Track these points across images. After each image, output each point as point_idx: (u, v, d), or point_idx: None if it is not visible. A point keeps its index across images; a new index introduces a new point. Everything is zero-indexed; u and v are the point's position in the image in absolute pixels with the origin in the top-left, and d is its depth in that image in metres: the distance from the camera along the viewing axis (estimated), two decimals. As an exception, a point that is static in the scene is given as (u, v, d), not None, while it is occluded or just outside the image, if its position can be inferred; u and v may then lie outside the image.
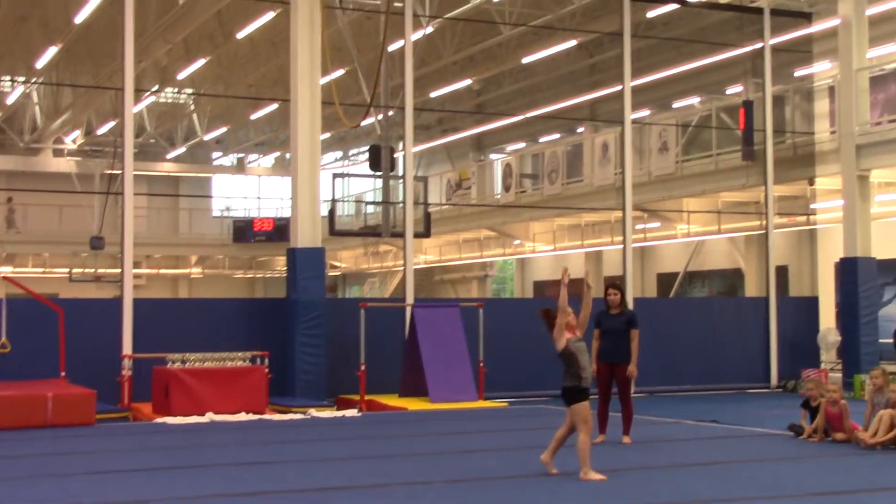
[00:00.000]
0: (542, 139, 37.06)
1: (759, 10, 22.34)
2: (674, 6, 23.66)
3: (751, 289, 26.83)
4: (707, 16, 26.47)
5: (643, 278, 32.68)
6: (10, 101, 35.70)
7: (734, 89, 29.01)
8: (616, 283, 12.96)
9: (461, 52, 30.46)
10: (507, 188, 32.36)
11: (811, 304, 22.70)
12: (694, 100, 30.61)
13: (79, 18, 24.99)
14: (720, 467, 10.84)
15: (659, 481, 9.87)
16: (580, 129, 35.00)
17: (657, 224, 28.99)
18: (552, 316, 10.07)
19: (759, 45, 22.54)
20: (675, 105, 31.55)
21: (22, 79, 33.89)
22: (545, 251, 33.46)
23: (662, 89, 30.70)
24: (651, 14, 25.26)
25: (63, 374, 15.87)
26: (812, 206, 24.55)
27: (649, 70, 28.58)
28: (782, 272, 25.24)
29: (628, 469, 10.54)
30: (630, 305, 13.60)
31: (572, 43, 28.45)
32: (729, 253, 29.84)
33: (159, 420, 15.17)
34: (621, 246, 21.59)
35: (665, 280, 32.71)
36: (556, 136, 36.31)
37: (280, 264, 43.73)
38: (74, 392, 14.78)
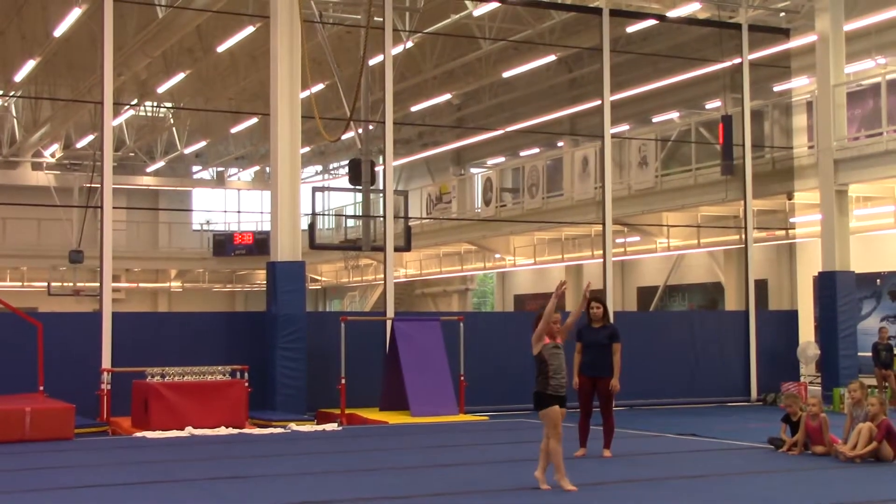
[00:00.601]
0: (522, 153, 37.14)
1: (738, 26, 22.48)
2: (653, 22, 23.77)
3: (730, 302, 26.93)
4: (686, 31, 26.61)
5: (623, 292, 32.77)
6: (-12, 114, 35.59)
7: (713, 104, 29.17)
8: (599, 297, 12.97)
9: (441, 67, 30.53)
10: (487, 202, 32.41)
11: (790, 317, 22.79)
12: (673, 114, 30.75)
13: (58, 31, 24.91)
14: (700, 481, 10.87)
15: (640, 495, 9.89)
16: (560, 144, 35.11)
17: (637, 238, 29.09)
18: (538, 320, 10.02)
19: (737, 61, 22.68)
20: (655, 120, 31.69)
21: (0, 92, 33.73)
22: (525, 265, 33.51)
23: (642, 104, 30.84)
24: (630, 29, 25.38)
25: (41, 388, 15.76)
26: (791, 220, 24.70)
27: (629, 85, 28.71)
28: (762, 286, 25.35)
29: (610, 483, 10.56)
30: (611, 319, 13.63)
31: (552, 58, 28.56)
32: (709, 267, 29.97)
33: (138, 434, 15.10)
34: (601, 260, 21.64)
35: (645, 294, 32.81)
36: (536, 150, 36.40)
37: (260, 278, 43.62)
38: (53, 406, 14.70)
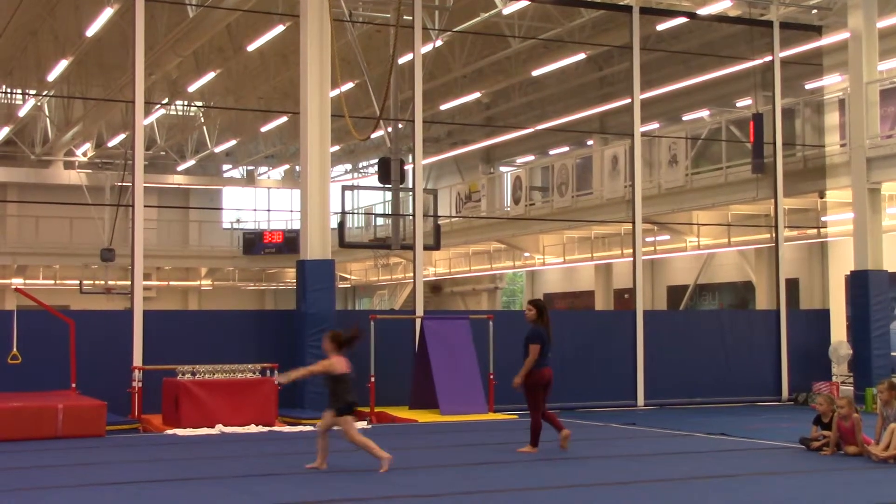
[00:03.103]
0: (552, 152, 37.08)
1: (769, 24, 22.34)
2: (683, 20, 23.66)
3: (761, 301, 26.78)
4: (717, 29, 26.48)
5: (653, 291, 32.66)
6: (21, 113, 35.83)
7: (744, 102, 29.01)
8: (535, 300, 13.53)
9: (470, 66, 30.51)
10: (516, 201, 32.36)
11: (822, 316, 22.64)
12: (703, 113, 30.60)
13: (90, 31, 25.10)
14: (731, 481, 10.79)
15: (669, 494, 9.84)
16: (590, 142, 35.02)
17: (667, 237, 28.97)
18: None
19: (768, 59, 22.53)
20: (685, 118, 31.55)
21: (33, 92, 34.00)
22: (555, 264, 33.44)
23: (672, 102, 30.72)
24: (660, 27, 25.26)
25: (74, 385, 15.89)
26: (822, 218, 24.52)
27: (659, 83, 28.60)
28: (793, 285, 25.20)
29: (639, 482, 10.51)
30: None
31: (582, 56, 28.49)
32: (739, 266, 29.81)
33: (169, 432, 15.19)
34: (631, 259, 21.57)
35: (675, 293, 32.69)
36: (566, 148, 36.33)
37: (289, 276, 43.79)
38: (85, 403, 14.80)
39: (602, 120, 33.51)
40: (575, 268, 34.33)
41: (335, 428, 11.18)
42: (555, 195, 30.45)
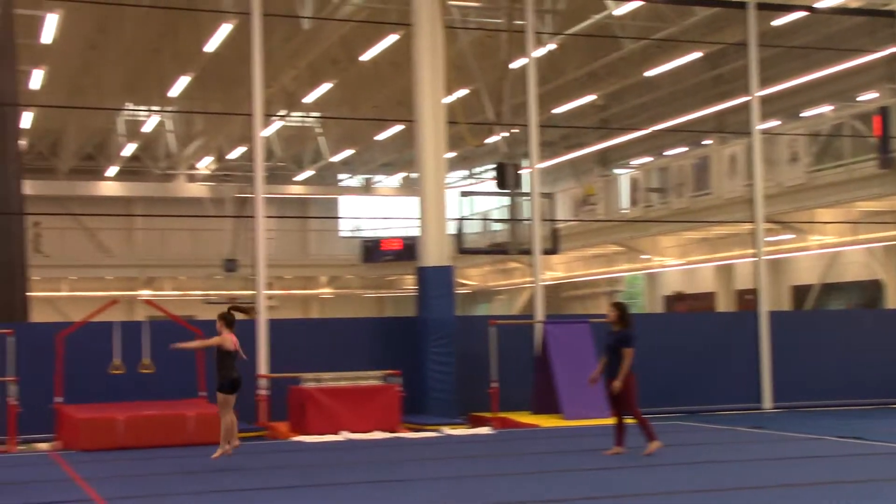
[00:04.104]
0: (668, 153, 36.65)
1: (893, 14, 21.73)
2: (801, 14, 23.15)
3: (892, 300, 26.03)
4: (837, 21, 25.87)
5: (777, 291, 32.00)
6: (146, 129, 36.81)
7: (867, 96, 28.26)
8: (617, 303, 13.33)
9: (584, 68, 30.35)
10: (633, 203, 32.07)
11: (957, 314, 21.91)
12: (825, 108, 29.90)
13: (209, 47, 25.66)
14: (869, 486, 10.44)
15: (806, 499, 9.61)
16: (707, 142, 34.51)
17: (790, 235, 28.37)
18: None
19: (893, 50, 21.91)
20: (805, 114, 30.87)
21: (157, 108, 34.91)
22: (675, 265, 33.04)
23: (791, 98, 30.09)
24: (777, 22, 24.78)
25: (203, 393, 16.25)
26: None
27: (777, 79, 28.03)
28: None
29: (773, 486, 10.29)
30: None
31: (697, 55, 28.10)
32: (867, 264, 29.03)
33: (296, 438, 15.42)
34: (752, 259, 21.18)
35: (799, 293, 31.99)
36: (683, 149, 35.87)
37: (408, 283, 44.10)
38: (214, 411, 15.07)
39: (719, 119, 32.98)
40: (695, 269, 33.85)
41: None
42: (673, 196, 30.09)
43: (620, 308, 12.99)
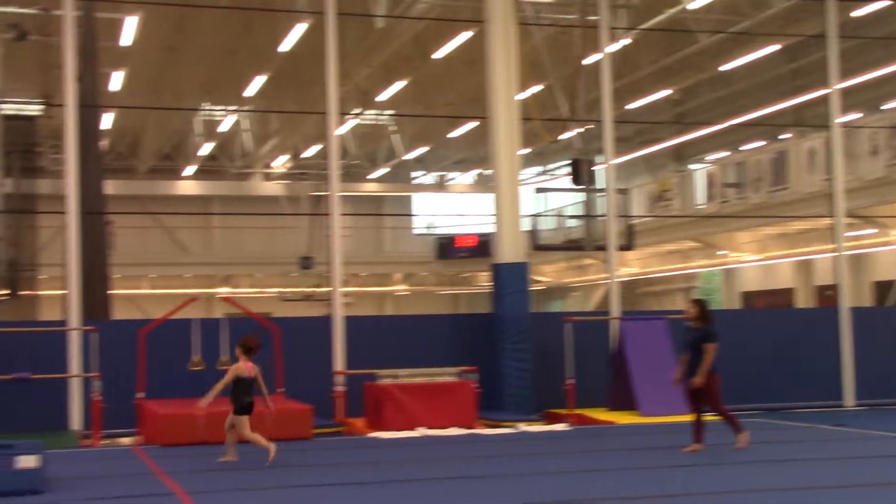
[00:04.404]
0: (745, 147, 36.20)
1: (977, 3, 21.26)
2: (882, 3, 22.72)
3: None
4: (920, 10, 25.33)
5: (858, 287, 31.43)
6: (222, 129, 37.28)
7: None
8: (697, 299, 13.24)
9: (658, 63, 30.09)
10: (710, 198, 31.73)
11: None
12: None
13: (284, 47, 25.90)
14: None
15: (890, 500, 9.46)
16: (785, 136, 34.02)
17: (872, 230, 27.87)
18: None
19: (977, 39, 21.43)
20: (886, 106, 30.28)
21: (233, 108, 35.34)
22: (752, 261, 32.64)
23: (872, 90, 29.53)
24: (857, 13, 24.34)
25: (281, 389, 16.43)
26: None
27: (857, 71, 27.52)
28: None
29: (858, 486, 10.14)
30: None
31: (774, 47, 27.70)
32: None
33: (372, 434, 15.52)
34: (833, 254, 20.85)
35: (882, 288, 31.39)
36: (760, 143, 35.40)
37: (483, 280, 44.12)
38: (292, 407, 15.28)
39: (797, 112, 32.48)
40: (773, 265, 33.40)
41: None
42: (750, 191, 29.72)
43: (700, 305, 12.90)
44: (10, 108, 28.75)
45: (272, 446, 12.21)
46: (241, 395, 12.40)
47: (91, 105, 20.29)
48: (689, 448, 12.57)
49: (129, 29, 24.42)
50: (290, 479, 11.19)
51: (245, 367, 12.43)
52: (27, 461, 10.33)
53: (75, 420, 16.08)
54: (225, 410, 14.88)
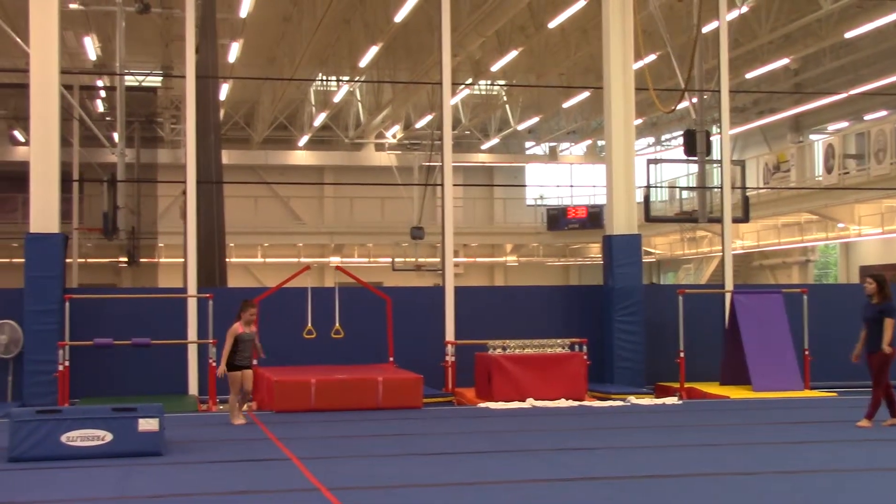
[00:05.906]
0: (867, 117, 35.21)
1: None
2: None
3: None
4: None
5: None
6: (336, 99, 37.64)
7: None
8: (875, 274, 13.03)
9: (778, 31, 29.37)
10: (829, 170, 30.97)
11: None
12: None
13: (398, 17, 25.98)
14: None
15: None
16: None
17: None
18: None
19: None
20: None
21: (346, 78, 35.62)
22: (872, 234, 31.80)
23: None
24: None
25: (391, 359, 16.59)
26: None
27: None
28: None
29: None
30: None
31: (900, 14, 26.82)
32: None
33: (482, 405, 15.58)
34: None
35: None
36: (883, 113, 34.39)
37: (594, 251, 43.85)
38: (403, 377, 15.42)
39: (923, 81, 31.47)
40: (893, 238, 32.48)
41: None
42: (871, 162, 28.92)
43: (879, 280, 12.82)
44: (131, 79, 29.43)
45: (241, 419, 13.38)
46: (234, 355, 13.29)
47: (209, 76, 20.64)
48: (888, 422, 12.48)
49: (247, 0, 24.76)
50: (401, 447, 11.30)
51: (237, 327, 13.36)
52: (149, 424, 10.64)
53: (193, 385, 16.48)
54: (339, 379, 15.13)
